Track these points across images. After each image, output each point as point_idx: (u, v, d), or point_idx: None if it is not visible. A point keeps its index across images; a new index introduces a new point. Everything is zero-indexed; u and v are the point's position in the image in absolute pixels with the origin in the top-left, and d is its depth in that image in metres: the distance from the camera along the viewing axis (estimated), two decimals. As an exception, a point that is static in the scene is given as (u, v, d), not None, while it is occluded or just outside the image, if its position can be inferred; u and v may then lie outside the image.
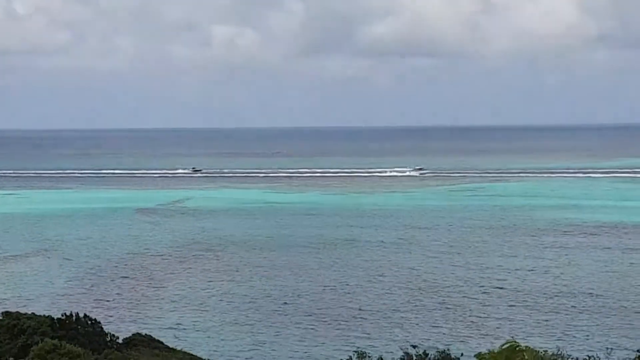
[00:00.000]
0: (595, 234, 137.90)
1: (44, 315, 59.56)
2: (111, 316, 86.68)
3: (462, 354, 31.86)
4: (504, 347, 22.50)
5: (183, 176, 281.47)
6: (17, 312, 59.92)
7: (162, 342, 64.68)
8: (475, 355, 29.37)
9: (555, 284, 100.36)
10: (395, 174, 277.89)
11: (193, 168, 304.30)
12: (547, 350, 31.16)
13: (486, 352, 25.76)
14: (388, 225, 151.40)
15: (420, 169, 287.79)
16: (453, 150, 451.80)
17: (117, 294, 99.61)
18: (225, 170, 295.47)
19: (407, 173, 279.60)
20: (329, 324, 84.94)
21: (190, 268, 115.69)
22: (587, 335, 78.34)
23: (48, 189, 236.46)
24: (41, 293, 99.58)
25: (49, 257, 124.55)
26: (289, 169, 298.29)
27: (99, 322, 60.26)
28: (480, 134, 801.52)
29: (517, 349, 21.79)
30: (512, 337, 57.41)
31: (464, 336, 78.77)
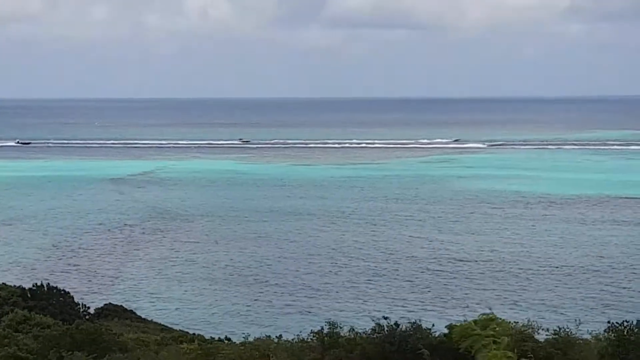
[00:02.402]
0: (561, 206, 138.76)
1: (14, 285, 59.37)
2: (82, 287, 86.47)
3: (433, 325, 31.99)
4: (482, 317, 22.70)
5: (161, 147, 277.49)
6: (-12, 282, 59.67)
7: (134, 312, 64.73)
8: (446, 327, 29.60)
9: (524, 256, 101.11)
10: (365, 145, 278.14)
11: (241, 139, 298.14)
12: (517, 322, 31.44)
13: (457, 323, 25.96)
14: (357, 197, 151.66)
15: (391, 141, 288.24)
16: (427, 122, 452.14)
17: (89, 264, 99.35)
18: (196, 141, 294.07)
19: (377, 145, 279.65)
20: (298, 296, 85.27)
21: (161, 239, 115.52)
22: (556, 308, 79.13)
23: (15, 159, 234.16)
24: (11, 263, 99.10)
25: (18, 228, 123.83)
26: (260, 140, 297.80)
27: (69, 293, 60.16)
28: (455, 105, 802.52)
29: (492, 320, 21.99)
30: (483, 308, 57.89)
31: (435, 309, 79.36)
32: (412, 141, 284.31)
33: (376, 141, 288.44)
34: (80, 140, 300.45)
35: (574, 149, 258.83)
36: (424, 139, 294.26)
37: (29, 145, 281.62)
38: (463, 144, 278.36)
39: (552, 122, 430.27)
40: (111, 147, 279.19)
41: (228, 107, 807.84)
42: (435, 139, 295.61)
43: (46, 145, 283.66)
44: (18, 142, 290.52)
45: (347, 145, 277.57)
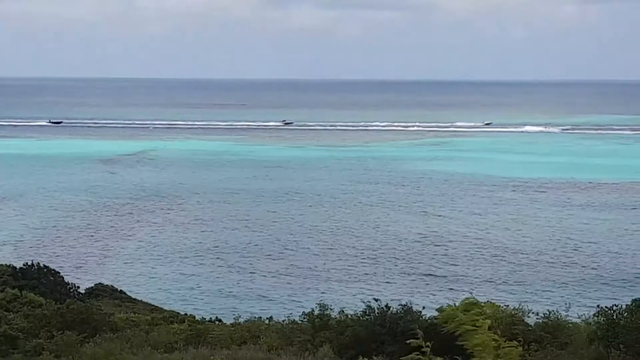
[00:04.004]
0: (543, 191, 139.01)
1: (5, 264, 59.36)
2: (73, 266, 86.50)
3: (423, 307, 32.14)
4: (464, 301, 22.69)
5: (155, 127, 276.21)
6: (-22, 261, 59.63)
7: (124, 292, 64.84)
8: (436, 309, 29.68)
9: (515, 240, 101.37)
10: (360, 128, 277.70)
11: (284, 121, 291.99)
12: (508, 305, 31.61)
13: (447, 306, 25.98)
14: (345, 179, 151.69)
15: (383, 123, 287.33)
16: (419, 103, 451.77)
17: (80, 244, 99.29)
18: (190, 122, 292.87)
19: (373, 128, 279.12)
20: (290, 277, 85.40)
21: (152, 219, 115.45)
22: (545, 290, 79.44)
23: (4, 137, 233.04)
24: (2, 242, 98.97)
25: (8, 206, 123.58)
26: (253, 121, 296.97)
27: (59, 272, 60.21)
28: (444, 88, 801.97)
29: (477, 303, 22.00)
30: (472, 292, 58.06)
31: (426, 291, 79.58)
32: (409, 124, 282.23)
33: (370, 124, 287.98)
34: (71, 119, 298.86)
35: (566, 132, 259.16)
36: (446, 122, 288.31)
37: (29, 125, 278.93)
38: (495, 127, 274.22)
39: (542, 104, 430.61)
40: (103, 127, 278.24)
41: (216, 87, 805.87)
42: (456, 121, 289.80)
43: (36, 125, 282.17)
44: (50, 122, 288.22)
45: (341, 128, 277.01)
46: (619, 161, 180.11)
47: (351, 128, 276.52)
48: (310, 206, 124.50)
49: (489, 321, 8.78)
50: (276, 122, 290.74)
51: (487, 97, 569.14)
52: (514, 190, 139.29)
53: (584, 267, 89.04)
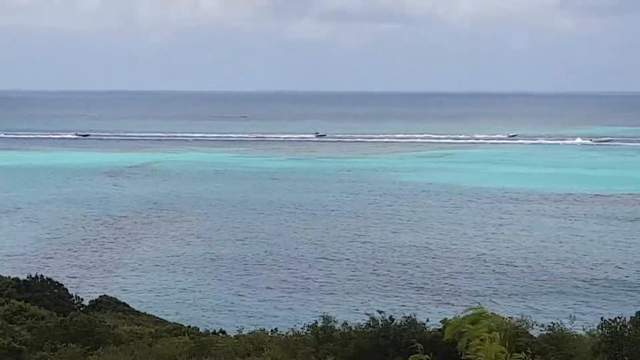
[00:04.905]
0: (544, 202, 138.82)
1: (9, 276, 59.35)
2: (77, 278, 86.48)
3: (427, 319, 32.09)
4: (468, 313, 22.65)
5: (160, 140, 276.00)
6: (-18, 273, 59.64)
7: (127, 305, 64.74)
8: (440, 321, 29.68)
9: (517, 252, 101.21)
10: (364, 140, 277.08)
11: (317, 133, 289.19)
12: (511, 317, 31.56)
13: (451, 318, 25.99)
14: (353, 191, 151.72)
15: (388, 134, 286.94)
16: (422, 115, 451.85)
17: (83, 256, 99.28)
18: (193, 134, 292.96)
19: (376, 139, 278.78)
20: (293, 290, 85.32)
21: (155, 231, 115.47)
22: (549, 303, 79.28)
23: (8, 149, 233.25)
24: (6, 254, 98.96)
25: (13, 219, 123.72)
26: (255, 133, 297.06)
27: (62, 285, 60.20)
28: (444, 99, 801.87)
29: (482, 315, 21.96)
30: (477, 304, 57.83)
31: (429, 303, 79.47)
32: (414, 136, 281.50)
33: (373, 135, 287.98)
34: (73, 131, 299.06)
35: (568, 144, 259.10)
36: (475, 134, 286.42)
37: (30, 137, 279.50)
38: (515, 139, 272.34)
39: (543, 116, 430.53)
40: (106, 139, 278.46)
41: (219, 99, 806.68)
42: (484, 134, 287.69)
43: (36, 137, 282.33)
44: (77, 134, 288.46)
45: (342, 140, 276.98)
46: (624, 173, 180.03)
47: (365, 139, 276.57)
48: (313, 217, 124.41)
49: (497, 334, 8.81)
50: (309, 134, 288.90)
51: (490, 109, 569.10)
52: (515, 203, 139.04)
53: (587, 278, 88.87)
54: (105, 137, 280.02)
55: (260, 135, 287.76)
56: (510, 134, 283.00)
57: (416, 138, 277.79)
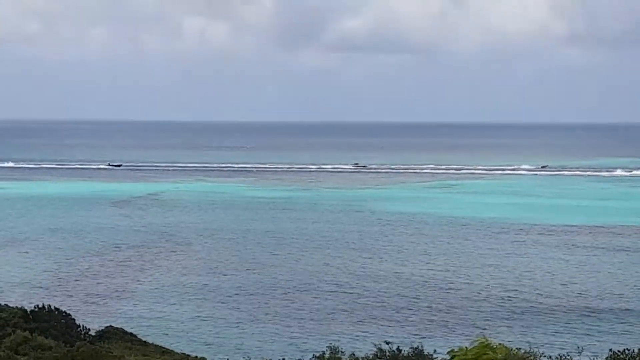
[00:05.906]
0: (553, 234, 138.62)
1: (16, 307, 59.33)
2: (84, 308, 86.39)
3: (435, 350, 32.08)
4: (475, 344, 22.72)
5: (168, 170, 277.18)
6: (-11, 303, 59.64)
7: (135, 335, 64.62)
8: (447, 352, 29.66)
9: (523, 283, 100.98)
10: (367, 171, 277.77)
11: (357, 163, 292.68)
12: (519, 348, 31.47)
13: (458, 349, 26.00)
14: (359, 222, 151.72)
15: (395, 166, 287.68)
16: (425, 146, 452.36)
17: (91, 286, 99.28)
18: (201, 164, 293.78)
19: (383, 170, 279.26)
20: (301, 320, 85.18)
21: (164, 261, 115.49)
22: (556, 334, 79.08)
23: (17, 180, 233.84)
24: (13, 284, 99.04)
25: (21, 248, 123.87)
26: (263, 163, 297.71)
27: (70, 315, 60.13)
28: (450, 130, 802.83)
29: (489, 346, 22.02)
30: (483, 335, 57.74)
31: (435, 334, 79.27)
32: (418, 167, 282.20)
33: (382, 166, 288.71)
34: (79, 162, 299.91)
35: (575, 175, 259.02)
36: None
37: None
38: (548, 170, 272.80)
39: (553, 147, 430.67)
40: (113, 169, 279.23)
41: (227, 130, 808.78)
42: (513, 165, 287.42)
43: (40, 166, 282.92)
44: (109, 165, 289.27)
45: (348, 170, 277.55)
46: (631, 204, 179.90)
47: (370, 170, 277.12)
48: (319, 247, 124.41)
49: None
50: (348, 164, 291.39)
51: (503, 140, 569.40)
52: (519, 234, 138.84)
53: (595, 310, 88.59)
54: (44, 166, 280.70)
55: (262, 165, 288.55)
56: (542, 165, 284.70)
57: (423, 169, 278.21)
